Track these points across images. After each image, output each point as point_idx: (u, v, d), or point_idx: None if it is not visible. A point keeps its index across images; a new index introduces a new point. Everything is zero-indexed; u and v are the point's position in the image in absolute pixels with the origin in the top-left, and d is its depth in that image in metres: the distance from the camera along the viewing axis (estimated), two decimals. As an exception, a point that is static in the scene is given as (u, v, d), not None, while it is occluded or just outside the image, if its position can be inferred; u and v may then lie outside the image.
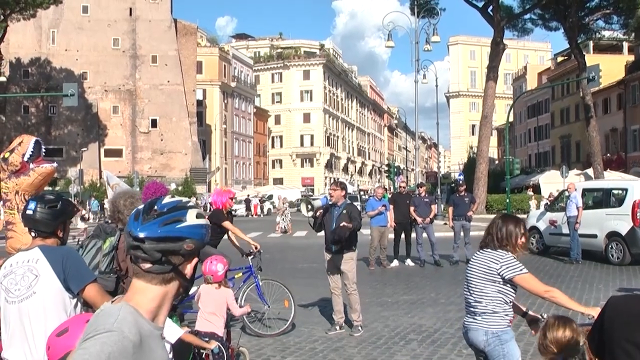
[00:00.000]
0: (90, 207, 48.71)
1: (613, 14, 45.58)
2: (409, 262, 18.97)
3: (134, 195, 6.30)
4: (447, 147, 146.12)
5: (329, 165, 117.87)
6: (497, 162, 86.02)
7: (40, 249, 3.86)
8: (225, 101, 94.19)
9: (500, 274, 4.99)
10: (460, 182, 23.68)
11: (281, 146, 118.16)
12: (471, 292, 5.18)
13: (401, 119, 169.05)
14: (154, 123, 78.88)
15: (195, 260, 2.07)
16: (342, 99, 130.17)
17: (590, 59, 48.64)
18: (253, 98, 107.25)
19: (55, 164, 8.65)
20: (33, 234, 4.03)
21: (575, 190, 19.09)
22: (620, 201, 18.41)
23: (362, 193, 72.76)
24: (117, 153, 77.81)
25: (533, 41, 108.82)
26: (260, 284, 10.08)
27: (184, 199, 2.14)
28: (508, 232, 5.16)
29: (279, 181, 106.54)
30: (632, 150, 60.62)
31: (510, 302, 5.12)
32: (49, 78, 74.90)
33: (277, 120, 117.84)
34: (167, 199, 2.08)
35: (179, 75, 78.53)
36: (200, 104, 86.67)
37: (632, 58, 63.94)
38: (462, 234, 18.86)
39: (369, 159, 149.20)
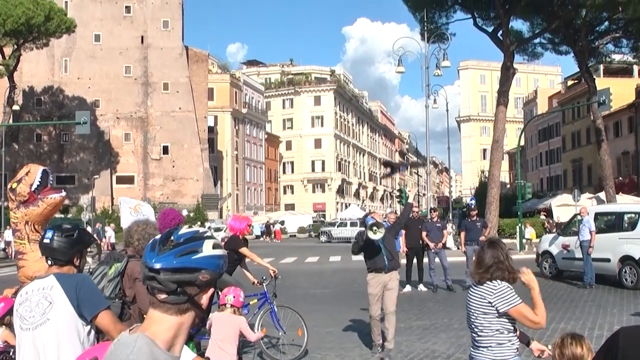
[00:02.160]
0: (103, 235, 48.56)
1: (623, 37, 45.60)
2: (421, 287, 18.91)
3: (148, 223, 6.37)
4: (459, 172, 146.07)
5: (341, 191, 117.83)
6: (508, 186, 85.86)
7: (55, 277, 3.90)
8: (237, 127, 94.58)
9: (494, 306, 4.90)
10: (472, 206, 23.60)
11: (292, 172, 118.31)
12: (472, 325, 5.11)
13: (412, 143, 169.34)
14: (165, 150, 79.24)
15: (211, 290, 2.06)
16: (353, 125, 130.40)
17: (601, 82, 48.63)
18: (264, 124, 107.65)
19: (63, 193, 8.66)
20: (49, 262, 4.07)
21: (588, 214, 19.04)
22: (633, 225, 18.35)
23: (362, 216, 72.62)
24: (129, 180, 78.09)
25: (543, 65, 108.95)
26: (276, 310, 10.13)
27: (201, 229, 2.12)
28: (492, 257, 5.07)
29: (290, 207, 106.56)
30: (645, 173, 60.38)
31: (513, 330, 5.01)
32: (62, 106, 75.52)
33: (289, 145, 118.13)
34: (184, 230, 2.07)
35: (190, 102, 79.01)
36: (211, 130, 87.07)
37: (642, 81, 63.91)
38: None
39: (381, 184, 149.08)
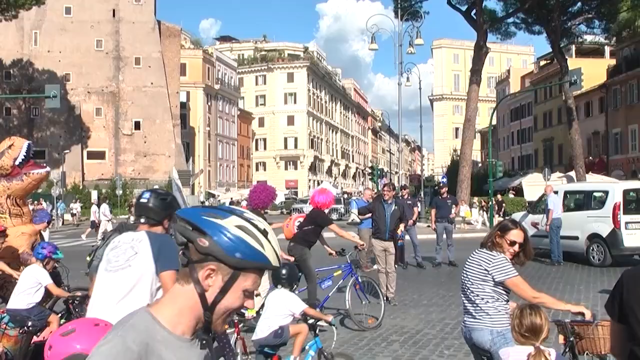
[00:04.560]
0: (58, 210, 47.74)
1: (595, 18, 45.89)
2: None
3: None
4: (431, 150, 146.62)
5: (313, 168, 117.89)
6: (480, 165, 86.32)
7: (146, 233, 4.37)
8: (209, 103, 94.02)
9: (491, 275, 5.06)
10: (443, 184, 23.75)
11: (265, 149, 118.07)
12: (468, 291, 5.23)
13: (385, 121, 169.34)
14: (137, 125, 78.58)
15: (220, 278, 1.89)
16: (326, 102, 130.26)
17: (573, 62, 48.94)
18: (237, 100, 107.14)
19: (48, 169, 8.58)
20: (142, 220, 4.50)
21: (554, 192, 19.31)
22: (601, 203, 18.57)
23: (345, 196, 72.76)
24: (100, 155, 77.42)
25: (516, 45, 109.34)
26: (360, 280, 10.67)
27: (249, 214, 1.97)
28: (490, 233, 5.34)
29: (263, 183, 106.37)
30: (614, 153, 61.06)
31: (507, 301, 5.19)
32: (31, 80, 74.47)
33: (261, 122, 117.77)
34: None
35: (162, 78, 78.29)
36: (183, 106, 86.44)
37: (613, 62, 64.40)
38: (444, 236, 18.93)
39: (353, 161, 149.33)
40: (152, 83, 77.92)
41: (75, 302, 6.88)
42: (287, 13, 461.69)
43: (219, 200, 74.32)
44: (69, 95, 73.89)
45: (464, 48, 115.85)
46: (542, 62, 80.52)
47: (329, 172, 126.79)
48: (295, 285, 7.01)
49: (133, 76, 77.89)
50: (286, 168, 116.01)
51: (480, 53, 43.33)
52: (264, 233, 1.92)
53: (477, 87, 43.72)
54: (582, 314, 5.04)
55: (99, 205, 33.67)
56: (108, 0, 77.62)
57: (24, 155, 8.19)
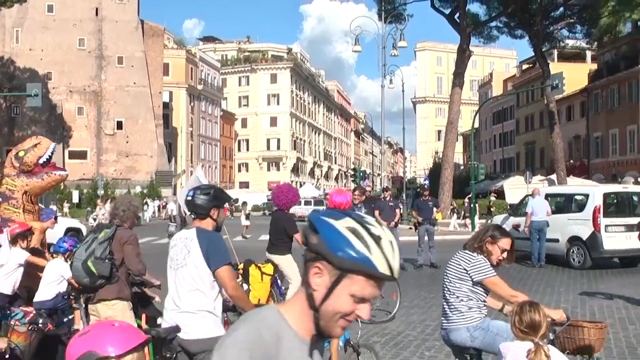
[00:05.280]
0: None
1: (577, 23, 46.24)
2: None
3: (133, 198, 7.58)
4: (413, 152, 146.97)
5: (296, 169, 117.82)
6: (462, 167, 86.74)
7: (195, 230, 4.86)
8: (192, 104, 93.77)
9: (470, 275, 5.22)
10: (425, 186, 23.83)
11: (247, 150, 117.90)
12: (446, 290, 5.38)
13: (368, 123, 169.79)
14: (119, 125, 78.17)
15: (327, 278, 1.86)
16: (309, 103, 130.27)
17: (555, 67, 49.25)
18: (220, 101, 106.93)
19: (66, 172, 8.77)
20: (193, 216, 5.06)
21: (537, 195, 19.48)
22: (581, 206, 18.72)
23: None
24: (81, 155, 76.92)
25: (499, 48, 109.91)
26: None
27: (369, 218, 1.93)
28: (476, 234, 5.56)
29: (245, 185, 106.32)
30: (595, 157, 61.49)
31: (484, 300, 5.35)
32: (13, 78, 73.81)
33: (244, 123, 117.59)
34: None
35: (145, 77, 77.96)
36: (166, 106, 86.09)
37: (595, 67, 64.85)
38: (426, 238, 18.97)
39: (336, 163, 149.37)
40: (134, 83, 77.57)
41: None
42: (270, 14, 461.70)
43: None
44: (50, 94, 73.41)
45: (447, 51, 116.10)
46: (525, 66, 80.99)
47: (312, 173, 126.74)
48: None
49: (115, 75, 77.48)
50: (269, 169, 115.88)
51: (463, 56, 43.55)
52: (376, 239, 1.85)
53: (460, 90, 43.94)
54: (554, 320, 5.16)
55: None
56: (91, -2, 77.22)
57: (49, 156, 8.47)
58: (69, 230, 23.92)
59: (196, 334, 4.73)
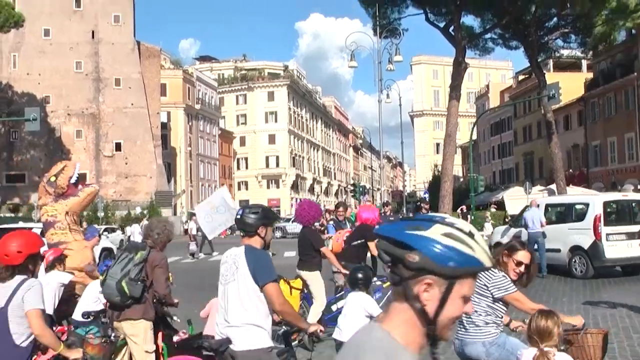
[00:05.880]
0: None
1: (571, 33, 46.35)
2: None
3: (168, 221, 7.67)
4: (412, 166, 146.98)
5: (295, 186, 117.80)
6: (461, 179, 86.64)
7: (244, 247, 5.19)
8: (190, 123, 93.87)
9: (490, 291, 5.25)
10: (425, 200, 23.82)
11: (247, 168, 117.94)
12: None
13: (366, 138, 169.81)
14: (118, 146, 78.19)
15: (433, 286, 1.84)
16: (307, 120, 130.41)
17: (551, 76, 49.38)
18: (218, 120, 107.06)
19: (97, 186, 9.18)
20: (242, 234, 5.36)
21: (534, 206, 19.55)
22: (582, 216, 18.71)
23: (327, 215, 72.78)
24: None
25: (495, 60, 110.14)
26: None
27: (451, 218, 1.92)
28: (495, 251, 5.56)
29: (245, 203, 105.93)
30: (594, 165, 61.54)
31: (502, 317, 5.41)
32: (11, 102, 73.92)
33: (242, 142, 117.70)
34: (427, 214, 1.99)
35: (142, 98, 78.09)
36: (164, 126, 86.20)
37: (590, 75, 65.06)
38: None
39: (335, 179, 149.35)
40: (132, 104, 77.66)
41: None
42: (266, 32, 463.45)
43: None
44: (48, 118, 73.52)
45: (443, 64, 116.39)
46: (521, 77, 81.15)
47: (311, 190, 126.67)
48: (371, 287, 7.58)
49: (113, 97, 77.59)
50: (268, 187, 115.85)
51: (459, 69, 43.62)
52: (470, 234, 1.86)
53: (457, 102, 43.96)
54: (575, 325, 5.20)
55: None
56: (87, 21, 77.44)
57: (77, 175, 9.15)
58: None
59: (244, 346, 5.03)
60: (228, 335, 5.10)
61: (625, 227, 18.17)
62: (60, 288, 7.74)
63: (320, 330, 5.49)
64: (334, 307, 11.22)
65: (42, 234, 9.12)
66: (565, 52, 54.76)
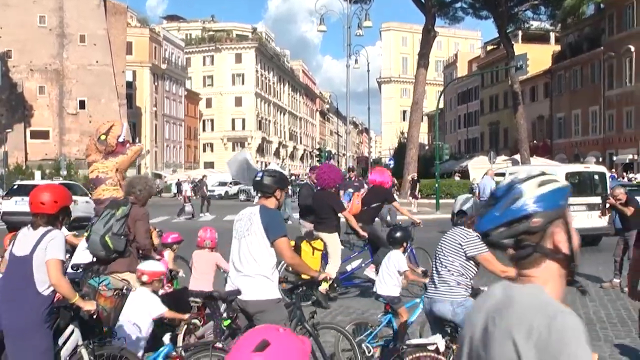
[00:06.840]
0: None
1: (541, 5, 46.57)
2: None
3: (148, 177, 8.31)
4: (379, 133, 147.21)
5: (261, 150, 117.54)
6: (427, 147, 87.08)
7: (259, 207, 5.65)
8: (156, 83, 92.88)
9: (464, 249, 5.53)
10: (389, 167, 23.92)
11: (212, 130, 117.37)
12: (438, 263, 5.68)
13: (333, 103, 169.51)
14: (82, 104, 76.99)
15: (558, 230, 1.93)
16: (274, 83, 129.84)
17: (519, 48, 49.58)
18: (184, 81, 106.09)
19: (142, 144, 9.67)
20: (259, 194, 5.91)
21: (490, 176, 19.86)
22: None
23: (293, 177, 72.74)
24: (43, 135, 75.75)
25: (464, 29, 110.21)
26: (414, 251, 11.46)
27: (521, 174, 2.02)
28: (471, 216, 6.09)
29: (209, 165, 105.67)
30: (558, 137, 62.25)
31: (472, 278, 5.66)
32: (-28, 56, 72.38)
33: (209, 103, 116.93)
34: (503, 183, 2.01)
35: (108, 56, 76.85)
36: (130, 85, 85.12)
37: (558, 48, 65.52)
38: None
39: (301, 143, 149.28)
40: (97, 61, 76.37)
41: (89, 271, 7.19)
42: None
43: (166, 182, 73.54)
44: (10, 73, 72.13)
45: (412, 32, 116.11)
46: (489, 47, 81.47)
47: (277, 153, 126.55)
48: (408, 245, 7.99)
49: (78, 54, 76.19)
50: (233, 149, 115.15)
51: (428, 37, 43.65)
52: (544, 173, 1.99)
53: (425, 70, 44.07)
54: None
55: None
56: (52, -25, 75.75)
57: (125, 134, 9.39)
58: None
59: (254, 296, 5.46)
60: (239, 285, 5.53)
61: (586, 198, 18.37)
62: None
63: (330, 278, 5.69)
64: (348, 267, 11.66)
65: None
66: (534, 24, 55.05)
